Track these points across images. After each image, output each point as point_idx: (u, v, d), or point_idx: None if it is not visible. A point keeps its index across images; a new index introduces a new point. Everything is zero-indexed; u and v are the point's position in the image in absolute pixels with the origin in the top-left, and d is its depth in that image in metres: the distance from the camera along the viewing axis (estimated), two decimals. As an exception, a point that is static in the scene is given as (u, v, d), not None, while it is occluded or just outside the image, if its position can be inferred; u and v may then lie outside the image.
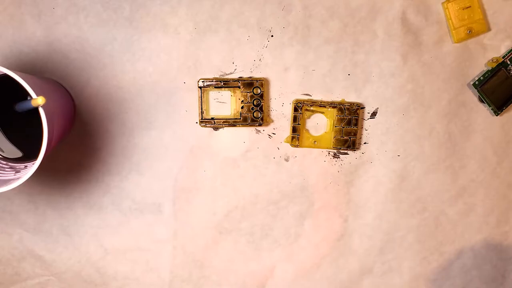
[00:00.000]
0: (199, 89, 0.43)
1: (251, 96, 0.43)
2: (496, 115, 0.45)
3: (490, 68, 0.44)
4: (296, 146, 0.44)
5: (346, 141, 0.44)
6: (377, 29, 0.44)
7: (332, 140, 0.44)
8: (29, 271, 0.44)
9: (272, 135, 0.45)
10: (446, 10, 0.43)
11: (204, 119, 0.43)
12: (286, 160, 0.45)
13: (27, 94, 0.33)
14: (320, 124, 0.45)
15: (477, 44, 0.45)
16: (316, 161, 0.45)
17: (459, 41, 0.44)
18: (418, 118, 0.45)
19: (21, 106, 0.36)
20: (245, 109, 0.43)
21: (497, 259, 0.48)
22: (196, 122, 0.44)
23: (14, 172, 0.38)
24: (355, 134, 0.44)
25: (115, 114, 0.43)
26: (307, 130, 0.45)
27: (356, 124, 0.44)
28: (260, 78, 0.43)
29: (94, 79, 0.42)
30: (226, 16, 0.42)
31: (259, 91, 0.43)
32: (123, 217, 0.44)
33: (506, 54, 0.45)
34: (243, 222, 0.45)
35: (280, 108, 0.44)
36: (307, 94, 0.44)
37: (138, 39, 0.42)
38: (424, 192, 0.46)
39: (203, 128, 0.44)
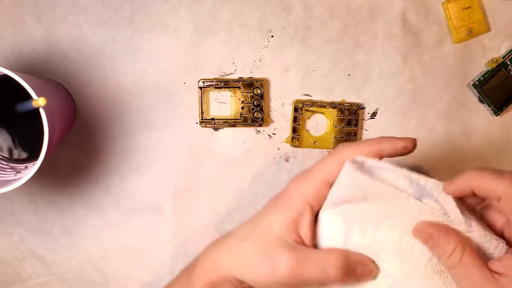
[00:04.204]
0: (200, 90, 0.43)
1: (251, 97, 0.43)
2: (496, 116, 0.45)
3: (490, 69, 0.45)
4: (296, 146, 0.44)
5: (346, 141, 0.44)
6: (377, 29, 0.44)
7: (332, 140, 0.44)
8: (29, 271, 0.45)
9: (272, 135, 0.45)
10: (446, 10, 0.44)
11: (205, 119, 0.43)
12: (286, 160, 0.45)
13: (27, 94, 0.33)
14: (320, 125, 0.45)
15: (477, 44, 0.45)
16: (316, 161, 0.45)
17: (459, 41, 0.44)
18: (418, 119, 0.45)
19: (22, 107, 0.36)
20: (245, 109, 0.43)
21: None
22: (197, 123, 0.44)
23: (14, 172, 0.38)
24: (355, 135, 0.44)
25: (115, 115, 0.43)
26: (307, 131, 0.45)
27: (356, 125, 0.44)
28: (260, 79, 0.43)
29: (94, 79, 0.42)
30: (227, 16, 0.42)
31: (259, 91, 0.43)
32: (124, 217, 0.44)
33: (506, 55, 0.45)
34: (243, 222, 0.45)
35: (280, 109, 0.44)
36: (307, 95, 0.44)
37: (138, 40, 0.42)
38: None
39: (204, 128, 0.44)
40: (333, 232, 0.33)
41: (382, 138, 0.33)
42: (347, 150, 0.33)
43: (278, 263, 0.31)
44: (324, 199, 0.33)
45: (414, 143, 0.33)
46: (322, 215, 0.33)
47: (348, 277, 0.31)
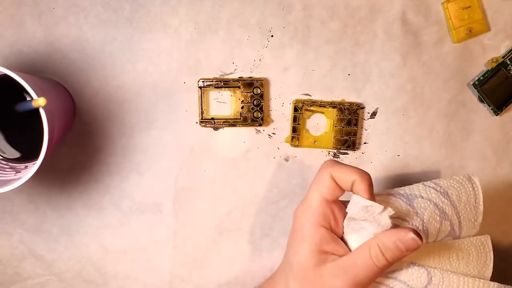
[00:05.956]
0: (199, 89, 0.43)
1: (251, 96, 0.43)
2: (496, 115, 0.45)
3: (490, 68, 0.45)
4: (296, 146, 0.44)
5: (346, 141, 0.44)
6: (377, 29, 0.44)
7: (332, 140, 0.44)
8: (29, 271, 0.45)
9: (272, 135, 0.45)
10: (446, 10, 0.44)
11: (204, 119, 0.43)
12: (286, 160, 0.45)
13: (27, 94, 0.33)
14: (320, 124, 0.45)
15: (477, 44, 0.45)
16: (316, 161, 0.45)
17: (459, 41, 0.44)
18: (418, 118, 0.45)
19: (22, 107, 0.36)
20: (245, 109, 0.43)
21: (497, 259, 0.48)
22: (196, 122, 0.44)
23: (14, 172, 0.38)
24: (355, 134, 0.44)
25: (115, 114, 0.43)
26: (307, 130, 0.45)
27: (356, 124, 0.44)
28: (260, 78, 0.43)
29: (94, 79, 0.42)
30: (226, 16, 0.42)
31: (259, 91, 0.43)
32: (124, 217, 0.44)
33: (506, 54, 0.45)
34: (243, 222, 0.45)
35: (280, 108, 0.44)
36: (307, 94, 0.44)
37: (138, 39, 0.42)
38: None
39: (203, 128, 0.44)
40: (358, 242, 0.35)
41: (364, 178, 0.35)
42: (331, 169, 0.35)
43: (332, 278, 0.33)
44: (328, 214, 0.35)
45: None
46: (345, 237, 0.36)
47: (397, 254, 0.33)
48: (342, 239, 0.35)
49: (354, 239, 0.35)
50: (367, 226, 0.33)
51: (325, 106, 0.44)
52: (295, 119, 0.44)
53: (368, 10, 0.43)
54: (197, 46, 0.43)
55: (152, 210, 0.45)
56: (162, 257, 0.45)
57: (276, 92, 0.44)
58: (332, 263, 0.34)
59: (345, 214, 0.36)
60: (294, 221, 0.36)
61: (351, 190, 0.35)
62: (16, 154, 0.40)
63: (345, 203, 0.37)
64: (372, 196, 0.34)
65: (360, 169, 0.35)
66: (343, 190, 0.36)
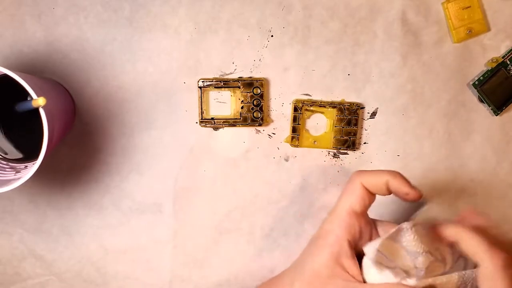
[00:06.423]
0: (199, 89, 0.43)
1: (251, 96, 0.43)
2: (496, 115, 0.45)
3: (490, 68, 0.45)
4: (296, 146, 0.44)
5: (346, 141, 0.44)
6: (377, 29, 0.44)
7: (332, 140, 0.44)
8: (29, 271, 0.45)
9: (272, 135, 0.45)
10: (446, 10, 0.44)
11: (204, 119, 0.43)
12: (286, 160, 0.45)
13: (27, 94, 0.33)
14: (320, 124, 0.45)
15: (477, 44, 0.45)
16: (316, 161, 0.45)
17: (459, 41, 0.44)
18: (417, 118, 0.45)
19: (22, 107, 0.36)
20: (245, 109, 0.43)
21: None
22: (196, 122, 0.44)
23: (14, 172, 0.38)
24: (355, 134, 0.44)
25: (115, 114, 0.43)
26: (307, 130, 0.45)
27: (356, 124, 0.44)
28: (260, 78, 0.43)
29: (94, 79, 0.42)
30: (226, 16, 0.42)
31: (259, 91, 0.43)
32: (124, 217, 0.44)
33: (506, 54, 0.45)
34: (243, 222, 0.45)
35: (280, 108, 0.44)
36: (307, 94, 0.44)
37: (138, 39, 0.42)
38: (424, 192, 0.46)
39: (203, 128, 0.44)
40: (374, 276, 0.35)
41: (396, 174, 0.35)
42: (361, 178, 0.36)
43: None
44: (355, 227, 0.35)
45: (418, 197, 0.35)
46: (363, 262, 0.35)
47: None
48: (360, 257, 0.35)
49: (369, 267, 0.34)
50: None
51: (325, 106, 0.44)
52: (295, 119, 0.44)
53: (368, 10, 0.43)
54: (197, 46, 0.43)
55: (152, 210, 0.45)
56: (162, 257, 0.45)
57: (276, 92, 0.44)
58: (343, 282, 0.34)
59: (371, 230, 0.37)
60: (320, 227, 0.37)
61: (388, 192, 0.35)
62: (16, 154, 0.40)
63: (375, 222, 0.38)
64: (412, 187, 0.35)
65: (389, 170, 0.35)
66: (373, 197, 0.36)
